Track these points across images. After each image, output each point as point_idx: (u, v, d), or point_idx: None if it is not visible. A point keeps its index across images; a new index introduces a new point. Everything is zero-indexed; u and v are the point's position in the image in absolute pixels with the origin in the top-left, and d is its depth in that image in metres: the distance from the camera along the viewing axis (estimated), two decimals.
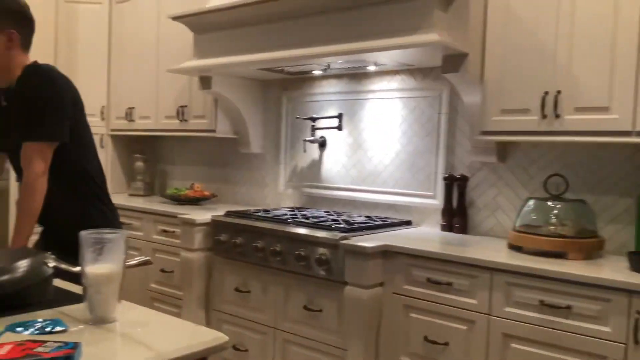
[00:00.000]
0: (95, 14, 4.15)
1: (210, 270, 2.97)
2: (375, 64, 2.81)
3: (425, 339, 2.18)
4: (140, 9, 3.95)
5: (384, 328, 2.30)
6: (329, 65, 2.90)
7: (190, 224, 2.94)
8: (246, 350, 2.75)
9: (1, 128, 1.91)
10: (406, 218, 2.87)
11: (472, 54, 2.30)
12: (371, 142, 3.06)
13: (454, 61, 2.31)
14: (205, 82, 3.27)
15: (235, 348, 2.79)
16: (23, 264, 1.19)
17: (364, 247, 2.24)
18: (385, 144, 3.00)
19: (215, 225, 2.92)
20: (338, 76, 3.19)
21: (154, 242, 3.34)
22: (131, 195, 4.12)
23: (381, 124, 3.01)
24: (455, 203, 2.68)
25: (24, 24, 1.85)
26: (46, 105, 1.78)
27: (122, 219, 3.41)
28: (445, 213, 2.70)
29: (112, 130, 4.17)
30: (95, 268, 1.12)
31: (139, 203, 3.62)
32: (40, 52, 4.12)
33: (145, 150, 4.23)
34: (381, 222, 2.72)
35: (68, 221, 1.88)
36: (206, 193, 3.67)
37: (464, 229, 2.65)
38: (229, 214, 2.97)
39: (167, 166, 4.27)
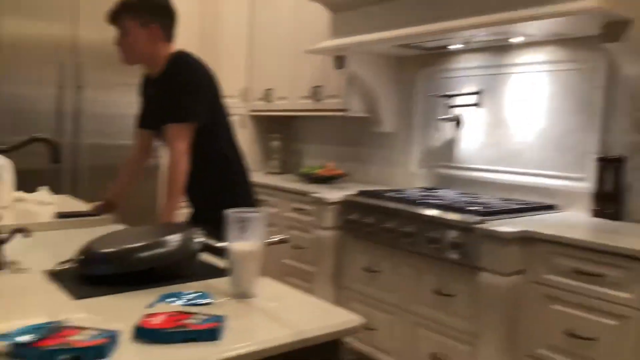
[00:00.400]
0: (237, 3, 4.34)
1: (340, 248, 3.01)
2: (522, 36, 2.62)
3: (568, 332, 2.02)
4: None
5: (521, 318, 2.17)
6: (469, 39, 2.76)
7: (322, 202, 3.00)
8: (375, 330, 2.76)
9: (153, 114, 2.08)
10: (549, 202, 2.66)
11: (637, 19, 2.04)
12: (513, 120, 2.87)
13: (614, 29, 2.07)
14: (340, 61, 3.29)
15: (364, 327, 2.81)
16: (175, 239, 1.27)
17: (503, 232, 2.12)
18: (528, 121, 2.80)
19: (346, 205, 2.94)
20: (478, 50, 3.02)
21: (288, 219, 3.47)
22: (268, 173, 4.30)
23: (525, 99, 2.81)
24: (609, 186, 2.43)
25: (166, 17, 1.97)
26: (184, 89, 1.90)
27: (259, 196, 3.57)
28: (597, 197, 2.47)
29: (252, 110, 4.37)
30: (238, 245, 1.17)
31: (275, 181, 3.76)
32: (187, 39, 4.40)
33: (282, 130, 4.38)
34: (521, 206, 2.55)
35: (208, 200, 2.01)
36: (338, 172, 3.71)
37: (617, 216, 2.40)
38: (360, 193, 2.98)
39: (302, 145, 4.39)
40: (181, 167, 1.88)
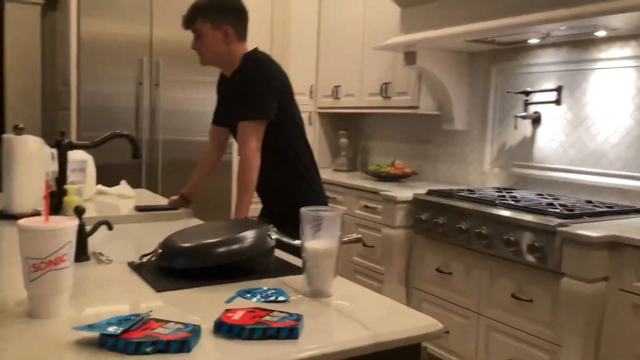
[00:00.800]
0: (306, 1, 4.35)
1: (411, 248, 2.95)
2: (606, 29, 2.46)
3: None
4: None
5: (607, 326, 2.04)
6: (548, 33, 2.63)
7: (392, 201, 2.95)
8: (447, 332, 2.69)
9: (227, 112, 2.11)
10: (638, 205, 2.50)
11: None
12: (595, 118, 2.71)
13: None
14: (409, 57, 3.22)
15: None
16: (250, 235, 1.28)
17: (589, 237, 2.00)
18: (613, 119, 2.63)
19: (416, 204, 2.88)
20: (557, 44, 2.88)
21: (356, 217, 3.44)
22: (335, 170, 4.29)
23: (609, 97, 2.65)
24: None
25: (238, 17, 2.01)
26: (256, 87, 1.93)
27: (327, 193, 3.57)
28: None
29: (319, 108, 4.37)
30: (313, 243, 1.16)
31: (343, 178, 3.75)
32: (258, 37, 4.46)
33: (349, 127, 4.36)
34: (606, 209, 2.40)
35: (279, 196, 2.03)
36: (407, 170, 3.65)
37: None
38: (431, 192, 2.91)
39: (370, 142, 4.35)
40: (253, 164, 1.91)
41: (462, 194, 2.78)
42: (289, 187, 2.05)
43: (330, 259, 1.17)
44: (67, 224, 0.95)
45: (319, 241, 1.16)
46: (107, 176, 2.56)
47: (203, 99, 3.83)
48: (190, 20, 1.98)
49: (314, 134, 4.42)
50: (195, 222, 2.04)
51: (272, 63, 1.99)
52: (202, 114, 3.82)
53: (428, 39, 2.94)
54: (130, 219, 2.00)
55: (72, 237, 0.97)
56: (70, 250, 0.97)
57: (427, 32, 2.96)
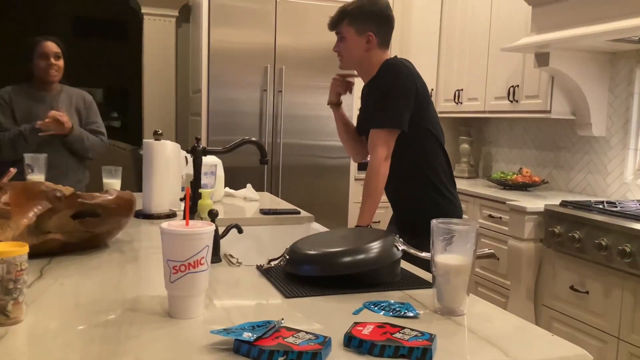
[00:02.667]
0: (428, 1, 4.26)
1: (540, 262, 2.76)
2: None
3: None
4: None
5: None
6: None
7: (520, 211, 2.78)
8: None
9: (364, 118, 2.10)
10: None
11: None
12: None
13: None
14: (541, 58, 3.02)
15: None
16: (376, 245, 1.25)
17: None
18: None
19: (548, 215, 2.69)
20: None
21: (479, 227, 3.28)
22: (456, 177, 4.13)
23: None
24: None
25: (383, 24, 1.98)
26: (390, 95, 1.89)
27: None
28: None
29: (440, 112, 4.24)
30: (444, 257, 1.10)
31: (464, 185, 3.60)
32: None
33: (471, 132, 4.19)
34: None
35: (411, 205, 1.97)
36: (536, 179, 3.42)
37: None
38: (565, 203, 2.69)
39: (493, 148, 4.15)
40: (381, 173, 1.88)
41: (602, 206, 2.55)
42: (422, 196, 1.99)
43: (463, 276, 1.11)
44: (206, 229, 0.98)
45: (451, 256, 1.10)
46: (232, 179, 2.67)
47: (323, 103, 3.88)
48: (336, 23, 2.00)
49: None
50: (317, 226, 2.06)
51: (408, 70, 1.94)
52: (322, 118, 3.88)
53: (564, 38, 2.73)
54: (256, 222, 2.06)
55: (210, 241, 1.00)
56: (208, 254, 1.00)
57: (562, 31, 2.75)
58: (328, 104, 2.17)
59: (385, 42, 2.00)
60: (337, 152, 3.95)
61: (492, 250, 1.31)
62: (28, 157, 2.16)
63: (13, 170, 2.07)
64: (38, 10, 7.55)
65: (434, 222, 1.11)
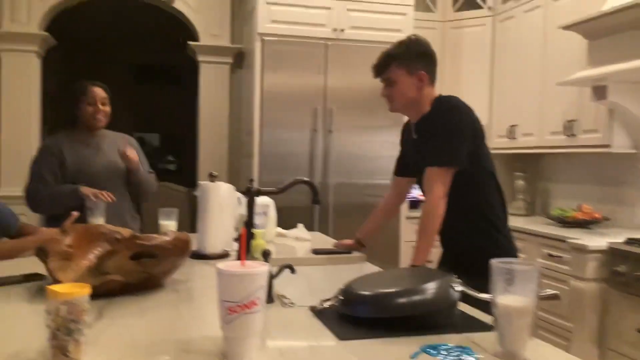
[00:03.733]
0: (479, 35, 4.25)
1: (605, 304, 2.61)
2: None
3: None
4: (525, 23, 3.85)
5: None
6: None
7: (582, 250, 2.66)
8: None
9: (412, 158, 2.09)
10: None
11: None
12: None
13: None
14: (599, 92, 2.94)
15: None
16: (433, 286, 1.21)
17: None
18: None
19: (613, 254, 2.56)
20: None
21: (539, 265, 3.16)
22: (511, 214, 4.01)
23: None
24: None
25: (430, 62, 1.99)
26: (446, 132, 1.87)
27: None
28: None
29: (494, 148, 4.13)
30: (506, 299, 1.06)
31: (521, 223, 3.49)
32: None
33: (527, 168, 4.09)
34: None
35: (465, 244, 1.92)
36: (597, 215, 3.28)
37: None
38: (631, 241, 2.56)
39: (550, 184, 4.02)
40: (437, 212, 1.85)
41: None
42: (480, 235, 1.94)
43: (525, 318, 1.06)
44: (261, 269, 0.98)
45: (513, 297, 1.05)
46: (283, 219, 2.68)
47: (373, 142, 3.90)
48: (382, 68, 1.99)
49: None
50: (369, 266, 2.03)
51: (464, 107, 1.93)
52: (371, 157, 3.89)
53: (622, 71, 2.65)
54: (307, 261, 2.05)
55: (264, 282, 1.00)
56: (262, 294, 0.99)
57: (620, 64, 2.68)
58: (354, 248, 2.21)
59: (433, 79, 2.00)
60: (387, 191, 3.91)
61: (557, 292, 1.25)
62: (89, 201, 2.24)
63: (76, 214, 2.15)
64: (100, 58, 8.01)
65: (494, 262, 1.08)
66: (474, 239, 1.93)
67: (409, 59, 1.95)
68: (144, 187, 2.73)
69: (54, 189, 2.53)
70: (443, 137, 1.87)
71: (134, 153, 2.62)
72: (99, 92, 2.65)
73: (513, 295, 1.06)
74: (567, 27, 2.97)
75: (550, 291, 1.22)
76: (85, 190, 2.43)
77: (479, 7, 4.28)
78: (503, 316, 1.07)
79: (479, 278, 1.15)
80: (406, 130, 2.16)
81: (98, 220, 2.16)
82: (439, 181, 1.85)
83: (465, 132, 1.88)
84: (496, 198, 1.97)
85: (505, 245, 1.95)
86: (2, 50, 4.08)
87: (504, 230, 1.96)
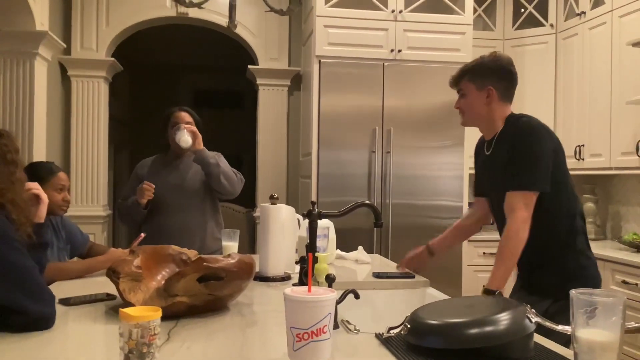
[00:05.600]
0: (541, 53, 4.14)
1: None
2: None
3: None
4: (590, 40, 3.72)
5: None
6: None
7: None
8: None
9: (485, 175, 2.06)
10: None
11: None
12: None
13: None
14: None
15: None
16: (506, 317, 1.16)
17: None
18: None
19: None
20: None
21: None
22: None
23: None
24: None
25: (502, 78, 1.97)
26: (528, 155, 1.83)
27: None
28: None
29: None
30: (588, 332, 0.99)
31: (592, 248, 3.32)
32: None
33: (596, 190, 3.91)
34: None
35: (551, 270, 1.86)
36: None
37: None
38: None
39: (622, 207, 3.82)
40: (520, 236, 1.79)
41: None
42: (566, 259, 1.87)
43: (610, 354, 0.99)
44: (329, 296, 0.97)
45: (596, 331, 0.99)
46: (342, 240, 2.66)
47: (431, 163, 3.83)
48: (457, 80, 2.03)
49: None
50: (433, 291, 1.98)
51: (544, 129, 1.88)
52: (431, 178, 3.82)
53: None
54: (369, 285, 2.02)
55: (332, 309, 0.98)
56: (330, 322, 0.98)
57: None
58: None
59: (506, 97, 1.98)
60: (447, 212, 3.84)
61: None
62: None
63: (143, 235, 2.21)
64: (167, 83, 8.34)
65: (574, 293, 1.02)
66: (562, 263, 1.86)
67: (480, 74, 1.96)
68: (214, 169, 2.61)
69: (126, 203, 2.69)
70: (526, 160, 1.83)
71: (195, 129, 2.64)
72: (184, 116, 2.72)
73: (596, 328, 0.99)
74: (637, 44, 2.84)
75: (634, 324, 1.14)
76: (138, 196, 2.58)
77: (541, 24, 4.17)
78: (586, 351, 1.00)
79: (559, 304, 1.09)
80: (479, 147, 2.13)
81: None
82: (522, 205, 1.81)
83: (549, 155, 1.83)
84: (577, 221, 1.90)
85: (593, 268, 1.88)
86: (72, 75, 4.30)
87: (589, 251, 1.90)
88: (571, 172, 3.97)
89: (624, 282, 2.88)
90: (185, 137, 2.59)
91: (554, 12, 4.11)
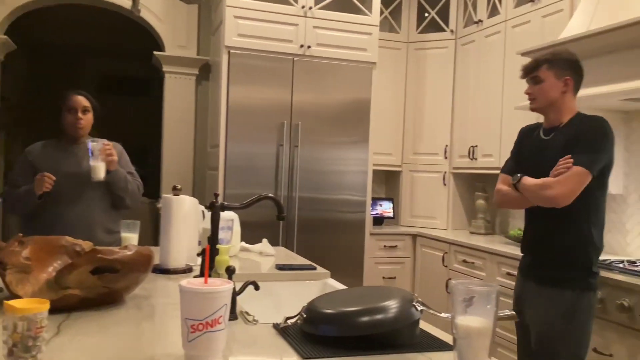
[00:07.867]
0: (442, 57, 4.36)
1: None
2: None
3: None
4: (485, 48, 3.97)
5: None
6: None
7: None
8: None
9: (533, 157, 2.21)
10: None
11: None
12: None
13: None
14: None
15: None
16: (395, 305, 1.23)
17: None
18: None
19: None
20: None
21: (498, 285, 3.23)
22: (472, 233, 4.11)
23: None
24: None
25: (578, 72, 2.13)
26: (591, 141, 2.01)
27: (464, 258, 3.41)
28: None
29: (455, 168, 4.26)
30: (465, 319, 1.08)
31: (481, 242, 3.57)
32: (391, 94, 4.54)
33: (487, 188, 4.19)
34: None
35: (559, 256, 2.09)
36: None
37: None
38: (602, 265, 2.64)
39: None
40: (566, 198, 1.98)
41: (622, 265, 2.50)
42: (585, 233, 2.07)
43: (484, 338, 1.08)
44: (225, 287, 0.98)
45: (472, 318, 1.08)
46: (247, 233, 2.67)
47: (337, 158, 3.93)
48: (533, 68, 2.16)
49: (448, 195, 4.31)
50: (333, 282, 2.04)
51: (610, 128, 2.05)
52: (337, 173, 3.92)
53: (578, 98, 2.75)
54: (271, 277, 2.05)
55: (228, 300, 1.00)
56: (226, 313, 0.99)
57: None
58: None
59: (577, 90, 2.15)
60: (352, 206, 3.96)
61: (514, 312, 1.28)
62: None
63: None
64: (67, 67, 7.86)
65: (452, 282, 1.11)
66: (569, 250, 2.07)
67: (559, 64, 2.11)
68: (122, 192, 2.62)
69: (17, 191, 2.54)
70: (592, 143, 2.01)
71: (113, 150, 2.53)
72: (80, 100, 2.62)
73: (473, 316, 1.08)
74: (525, 54, 3.08)
75: (508, 312, 1.26)
76: (36, 187, 2.45)
77: (442, 29, 4.39)
78: (463, 337, 1.09)
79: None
80: (526, 132, 2.31)
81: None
82: (577, 180, 1.97)
83: (607, 149, 2.03)
84: (601, 217, 2.09)
85: (597, 243, 2.08)
86: None
87: (599, 248, 2.10)
88: (464, 171, 4.25)
89: (509, 274, 3.13)
90: (99, 172, 2.45)
91: (454, 19, 4.35)
